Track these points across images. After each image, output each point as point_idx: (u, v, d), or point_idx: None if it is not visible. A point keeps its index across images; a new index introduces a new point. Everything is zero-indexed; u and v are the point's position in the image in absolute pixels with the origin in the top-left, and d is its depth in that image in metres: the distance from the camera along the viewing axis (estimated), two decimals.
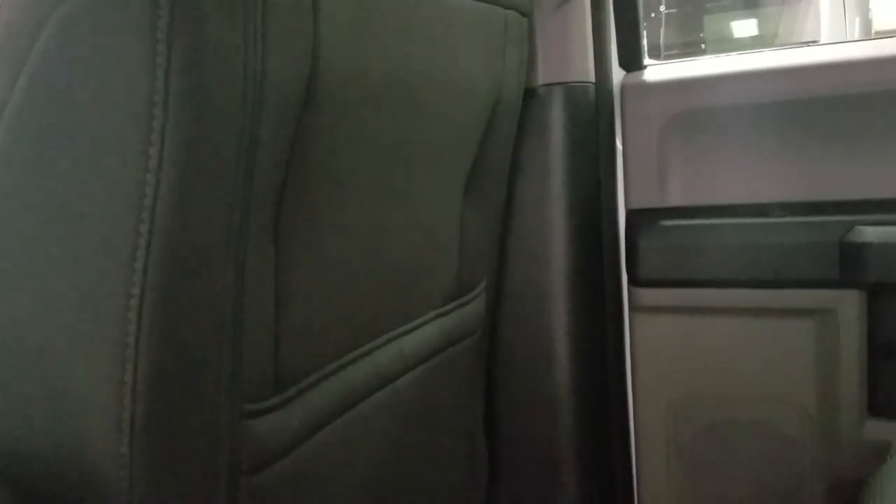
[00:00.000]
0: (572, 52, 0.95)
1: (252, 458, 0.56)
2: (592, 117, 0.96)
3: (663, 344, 0.95)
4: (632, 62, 0.98)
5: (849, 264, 0.87)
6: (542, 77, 0.94)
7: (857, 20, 4.24)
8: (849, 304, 0.88)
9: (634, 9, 0.98)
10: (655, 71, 0.97)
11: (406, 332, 0.75)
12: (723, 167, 0.93)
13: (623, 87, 0.96)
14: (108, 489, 0.48)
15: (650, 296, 0.94)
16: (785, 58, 0.93)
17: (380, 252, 0.68)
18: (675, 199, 0.94)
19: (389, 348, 0.72)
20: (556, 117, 0.94)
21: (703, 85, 0.93)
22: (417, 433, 0.78)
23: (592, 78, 0.97)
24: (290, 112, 0.53)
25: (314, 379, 0.62)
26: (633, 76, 0.97)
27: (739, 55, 0.97)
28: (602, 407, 0.99)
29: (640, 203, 0.95)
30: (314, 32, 0.54)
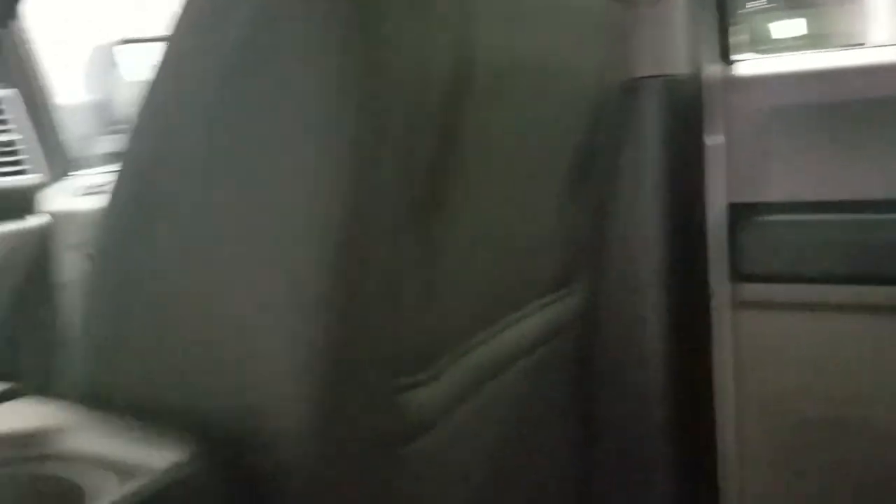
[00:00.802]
0: (669, 44, 0.95)
1: (403, 430, 0.58)
2: (689, 110, 0.96)
3: (766, 340, 0.94)
4: (731, 55, 0.97)
5: None
6: (639, 69, 0.94)
7: None
8: None
9: (731, 1, 0.97)
10: (755, 65, 0.96)
11: (517, 320, 0.76)
12: (826, 162, 0.91)
13: (724, 81, 0.95)
14: (285, 444, 0.50)
15: (753, 291, 0.94)
16: (886, 54, 0.91)
17: (505, 237, 0.70)
18: (779, 194, 0.93)
19: (504, 334, 0.74)
20: (653, 110, 0.93)
21: (807, 79, 0.92)
22: (528, 418, 0.79)
23: (689, 70, 0.96)
24: (445, 97, 0.54)
25: (451, 358, 0.64)
26: (733, 69, 0.96)
27: (837, 51, 0.95)
28: (695, 403, 0.98)
29: (742, 197, 0.94)
30: (466, 21, 0.55)
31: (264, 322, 0.49)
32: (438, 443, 0.63)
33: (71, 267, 1.53)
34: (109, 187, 0.55)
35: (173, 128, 0.52)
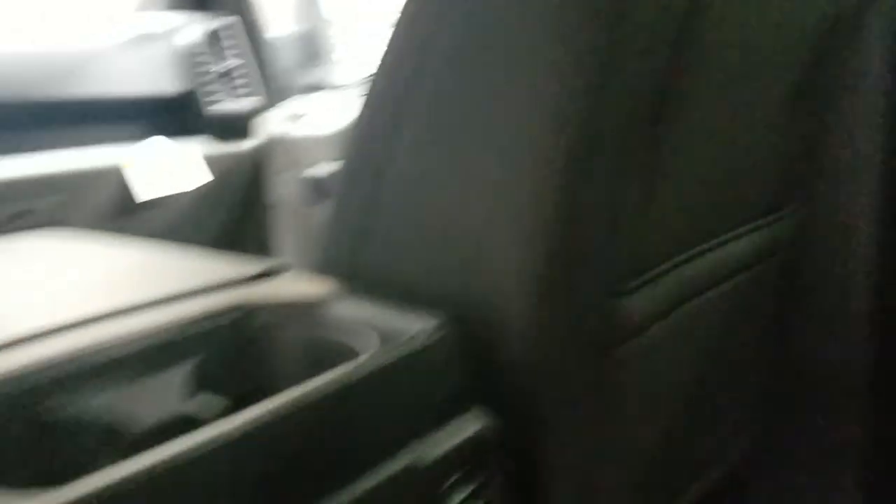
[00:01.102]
0: None
1: (616, 332, 0.62)
2: None
3: None
4: None
5: None
6: None
7: None
8: None
9: None
10: None
11: (727, 240, 0.76)
12: None
13: None
14: (509, 335, 0.55)
15: None
16: None
17: (722, 157, 0.70)
18: None
19: (714, 253, 0.74)
20: (883, 36, 0.87)
21: None
22: (730, 339, 0.79)
23: None
24: (680, 18, 0.55)
25: (662, 270, 0.66)
26: None
27: None
28: None
29: None
30: None
31: (497, 226, 0.54)
32: (646, 348, 0.66)
33: (280, 188, 1.67)
34: (363, 104, 0.62)
35: (420, 63, 0.57)
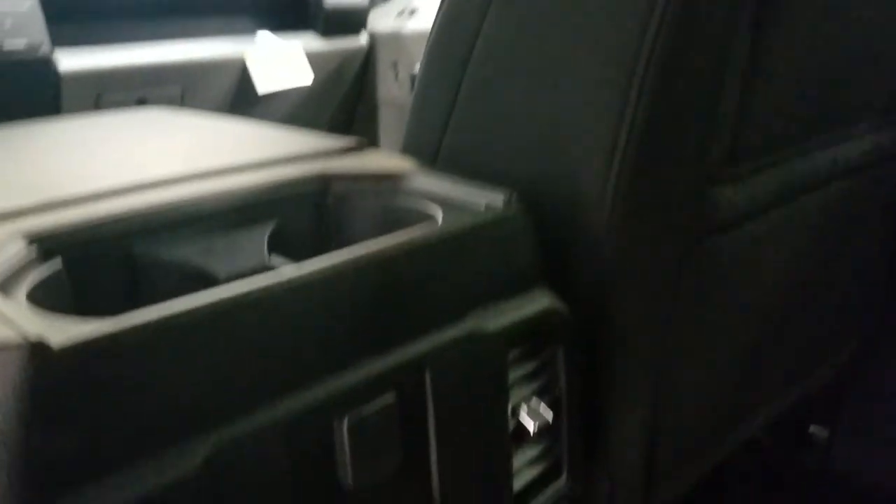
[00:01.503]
0: None
1: (705, 223, 0.59)
2: None
3: None
4: None
5: None
6: None
7: None
8: None
9: None
10: None
11: (840, 140, 0.72)
12: None
13: None
14: (591, 219, 0.54)
15: None
16: None
17: (835, 53, 0.65)
18: None
19: (825, 152, 0.70)
20: None
21: None
22: (831, 245, 0.75)
23: None
24: None
25: (762, 163, 0.63)
26: None
27: None
28: None
29: None
30: None
31: (581, 104, 0.53)
32: (739, 243, 0.63)
33: (392, 83, 1.68)
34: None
35: None
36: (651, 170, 0.54)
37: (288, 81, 1.55)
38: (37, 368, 0.31)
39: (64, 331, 0.33)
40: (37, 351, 0.31)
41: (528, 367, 0.52)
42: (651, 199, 0.55)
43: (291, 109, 1.62)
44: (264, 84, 1.51)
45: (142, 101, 1.40)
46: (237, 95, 1.54)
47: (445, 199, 0.53)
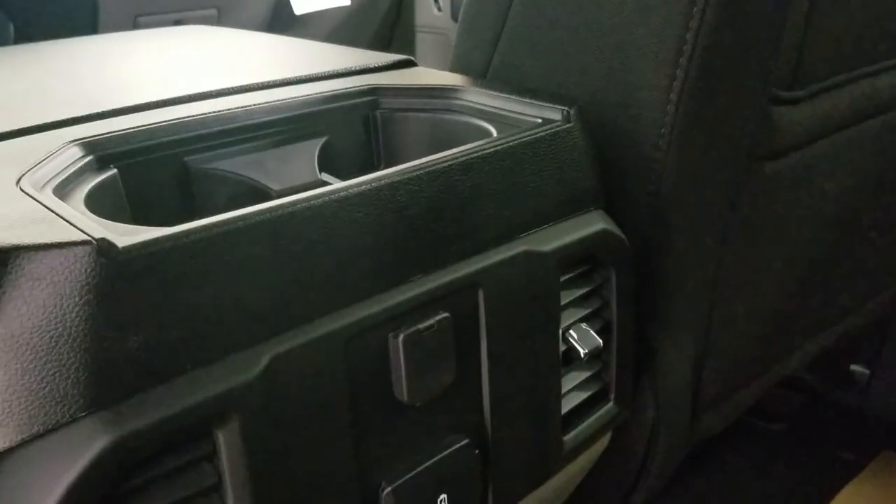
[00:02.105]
0: None
1: (767, 145, 0.57)
2: None
3: None
4: None
5: None
6: None
7: None
8: None
9: None
10: None
11: None
12: None
13: None
14: (650, 142, 0.53)
15: None
16: None
17: None
18: None
19: (890, 76, 0.67)
20: None
21: None
22: (889, 175, 0.72)
23: None
24: None
25: (826, 85, 0.61)
26: None
27: None
28: None
29: None
30: None
31: (641, 17, 0.50)
32: (797, 168, 0.61)
33: (426, 4, 1.64)
34: None
35: None
36: (713, 87, 0.52)
37: (326, 1, 1.51)
38: (103, 267, 0.31)
39: (125, 233, 0.32)
40: (103, 250, 0.31)
41: (581, 290, 0.51)
42: (711, 118, 0.53)
43: (328, 33, 1.59)
44: (302, 3, 1.48)
45: (178, 24, 1.39)
46: (274, 17, 1.52)
47: (500, 114, 0.51)
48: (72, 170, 0.40)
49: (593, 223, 0.50)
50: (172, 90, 0.52)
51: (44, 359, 0.30)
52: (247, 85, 0.53)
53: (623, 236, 0.51)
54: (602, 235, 0.50)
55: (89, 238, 0.31)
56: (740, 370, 0.71)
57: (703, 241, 0.58)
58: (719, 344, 0.65)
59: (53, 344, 0.30)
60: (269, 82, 0.54)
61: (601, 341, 0.51)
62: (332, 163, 0.51)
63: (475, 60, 0.60)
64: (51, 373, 0.30)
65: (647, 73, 0.51)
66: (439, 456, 0.43)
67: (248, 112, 0.49)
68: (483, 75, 0.60)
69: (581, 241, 0.48)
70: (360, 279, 0.39)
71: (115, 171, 0.42)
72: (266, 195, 0.46)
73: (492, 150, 0.44)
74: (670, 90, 0.51)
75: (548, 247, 0.46)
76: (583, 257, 0.50)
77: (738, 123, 0.55)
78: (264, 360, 0.35)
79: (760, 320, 0.68)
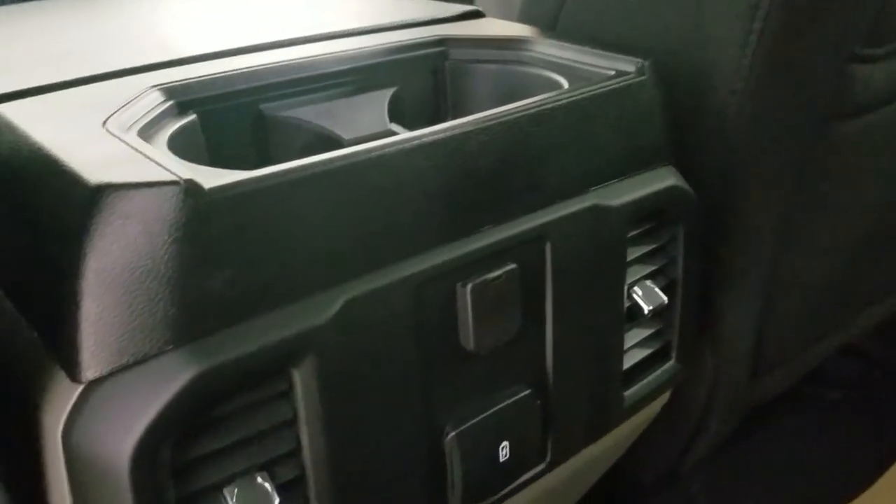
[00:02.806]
0: None
1: (844, 103, 0.56)
2: None
3: None
4: None
5: None
6: None
7: None
8: None
9: None
10: None
11: None
12: None
13: None
14: (724, 97, 0.51)
15: None
16: None
17: None
18: None
19: None
20: None
21: None
22: None
23: None
24: None
25: None
26: None
27: None
28: None
29: None
30: None
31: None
32: (871, 129, 0.59)
33: None
34: None
35: None
36: (790, 42, 0.50)
37: None
38: (190, 208, 0.32)
39: (209, 176, 0.33)
40: (190, 190, 0.32)
41: (648, 246, 0.51)
42: (787, 75, 0.52)
43: None
44: None
45: None
46: None
47: (571, 66, 0.50)
48: (154, 114, 0.41)
49: (663, 179, 0.49)
50: (247, 38, 0.53)
51: (134, 293, 0.32)
52: (318, 34, 0.54)
53: (693, 193, 0.50)
54: (672, 191, 0.49)
55: (177, 178, 0.32)
56: (801, 334, 0.70)
57: (774, 200, 0.57)
58: (782, 307, 0.64)
59: (143, 279, 0.32)
60: (339, 32, 0.55)
61: (665, 299, 0.51)
62: (400, 113, 0.51)
63: (543, 12, 0.59)
64: (140, 307, 0.32)
65: (722, 27, 0.50)
66: (502, 404, 0.44)
67: (321, 61, 0.49)
68: (551, 28, 0.59)
69: (650, 197, 0.48)
70: (429, 228, 0.39)
71: (194, 116, 0.43)
72: (337, 144, 0.47)
73: (563, 102, 0.44)
74: (746, 45, 0.49)
75: (617, 201, 0.46)
76: (651, 213, 0.49)
77: (815, 80, 0.53)
78: (338, 304, 0.36)
79: (824, 284, 0.67)
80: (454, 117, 0.44)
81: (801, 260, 0.63)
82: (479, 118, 0.41)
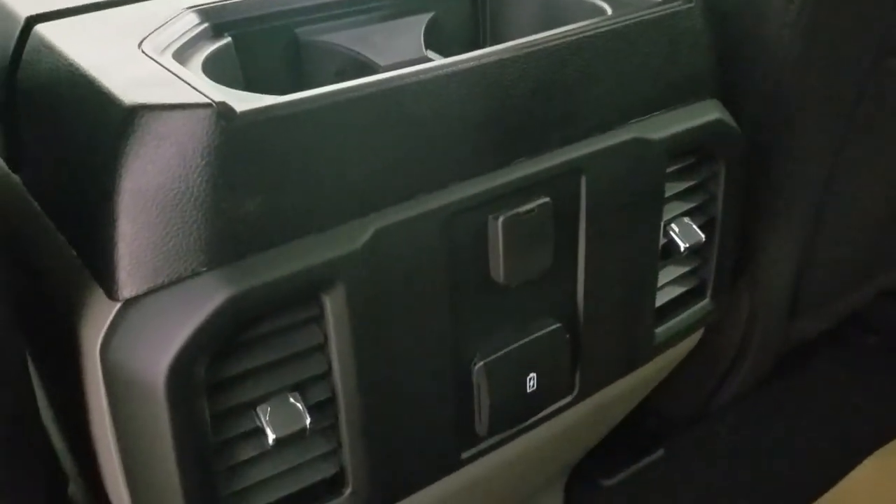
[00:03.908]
0: None
1: (892, 41, 0.53)
2: None
3: None
4: None
5: None
6: None
7: None
8: None
9: None
10: None
11: None
12: None
13: None
14: (773, 29, 0.49)
15: None
16: None
17: None
18: None
19: None
20: None
21: None
22: None
23: None
24: None
25: None
26: None
27: None
28: None
29: None
30: None
31: None
32: None
33: None
34: None
35: None
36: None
37: None
38: (223, 131, 0.32)
39: (242, 99, 0.33)
40: (223, 113, 0.32)
41: (687, 182, 0.50)
42: (841, 9, 0.49)
43: None
44: None
45: None
46: None
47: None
48: (189, 35, 0.40)
49: (707, 112, 0.47)
50: None
51: (168, 214, 0.32)
52: None
53: (737, 128, 0.49)
54: (716, 126, 0.48)
55: (210, 101, 0.32)
56: (841, 278, 0.68)
57: (822, 138, 0.55)
58: (823, 249, 0.62)
59: (177, 201, 0.32)
60: None
61: (703, 237, 0.50)
62: (437, 40, 0.50)
63: None
64: (174, 228, 0.32)
65: None
66: (531, 337, 0.44)
67: None
68: None
69: (693, 131, 0.46)
70: (462, 158, 0.39)
71: (229, 39, 0.43)
72: (372, 70, 0.46)
73: (606, 29, 0.42)
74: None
75: (657, 135, 0.45)
76: (693, 148, 0.48)
77: (869, 15, 0.51)
78: (369, 233, 0.36)
79: (868, 228, 0.65)
80: (492, 45, 0.43)
81: (846, 201, 0.61)
82: (517, 45, 0.40)
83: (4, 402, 0.34)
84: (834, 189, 0.59)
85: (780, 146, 0.53)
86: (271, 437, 0.35)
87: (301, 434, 0.36)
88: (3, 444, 0.34)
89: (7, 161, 0.43)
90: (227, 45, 0.42)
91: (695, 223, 0.50)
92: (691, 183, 0.50)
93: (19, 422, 0.35)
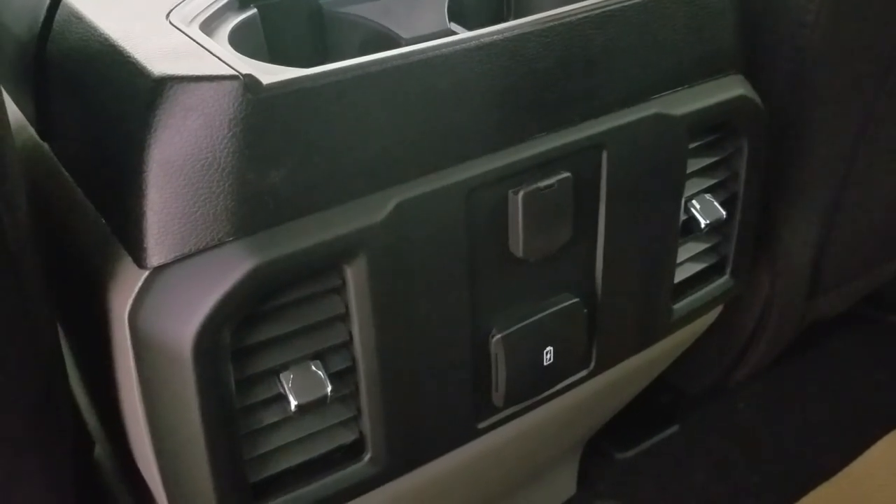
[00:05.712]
0: None
1: None
2: None
3: None
4: None
5: None
6: None
7: None
8: None
9: None
10: None
11: None
12: None
13: None
14: (797, 11, 0.49)
15: None
16: None
17: None
18: None
19: None
20: None
21: None
22: None
23: None
24: None
25: None
26: None
27: None
28: None
29: None
30: None
31: None
32: None
33: None
34: None
35: None
36: None
37: None
38: (249, 102, 0.32)
39: (268, 72, 0.34)
40: (249, 85, 0.32)
41: (710, 159, 0.49)
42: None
43: None
44: None
45: None
46: None
47: None
48: (216, 6, 0.41)
49: (731, 88, 0.47)
50: None
51: (195, 184, 0.33)
52: None
53: (762, 105, 0.49)
54: (739, 102, 0.47)
55: (236, 73, 0.32)
56: (862, 256, 0.68)
57: (846, 116, 0.54)
58: (844, 227, 0.62)
59: (204, 172, 0.33)
60: None
61: (724, 213, 0.50)
62: (461, 13, 0.50)
63: None
64: (201, 198, 0.33)
65: None
66: (549, 311, 0.44)
67: None
68: None
69: (716, 107, 0.46)
70: (484, 132, 0.39)
71: (255, 10, 0.43)
72: (396, 43, 0.46)
73: (631, 2, 0.42)
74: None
75: (680, 111, 0.45)
76: (716, 124, 0.48)
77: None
78: (390, 205, 0.36)
79: (888, 207, 0.64)
80: (516, 18, 0.43)
81: (869, 180, 0.60)
82: (540, 19, 0.40)
83: (35, 367, 0.35)
84: (855, 168, 0.58)
85: (805, 123, 0.53)
86: (293, 403, 0.36)
87: (322, 401, 0.37)
88: (34, 407, 0.35)
89: (38, 130, 0.43)
90: (252, 16, 0.43)
91: (716, 200, 0.50)
92: (714, 159, 0.50)
93: (48, 385, 0.36)
